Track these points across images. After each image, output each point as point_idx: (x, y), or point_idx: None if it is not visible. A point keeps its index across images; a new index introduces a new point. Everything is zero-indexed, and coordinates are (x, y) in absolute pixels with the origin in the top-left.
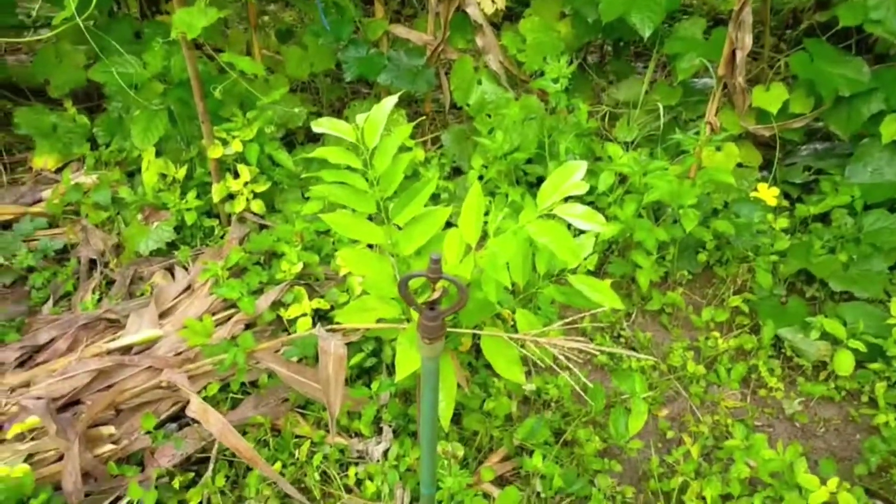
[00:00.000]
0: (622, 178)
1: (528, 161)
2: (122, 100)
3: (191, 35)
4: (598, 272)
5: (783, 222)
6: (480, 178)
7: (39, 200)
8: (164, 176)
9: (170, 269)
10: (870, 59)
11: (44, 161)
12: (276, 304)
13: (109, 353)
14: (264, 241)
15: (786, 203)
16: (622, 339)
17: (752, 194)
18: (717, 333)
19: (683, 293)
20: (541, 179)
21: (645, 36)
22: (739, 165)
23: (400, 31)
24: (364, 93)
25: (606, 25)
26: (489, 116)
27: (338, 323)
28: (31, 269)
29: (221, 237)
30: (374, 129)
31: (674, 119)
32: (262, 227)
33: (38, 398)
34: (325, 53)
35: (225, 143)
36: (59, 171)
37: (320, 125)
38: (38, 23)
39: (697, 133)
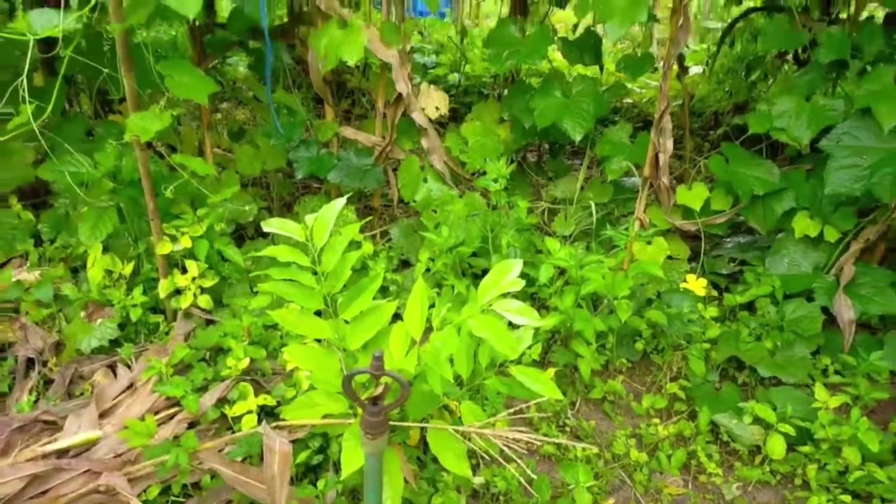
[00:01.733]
0: (561, 271)
1: (473, 254)
2: (69, 197)
3: (144, 139)
4: (542, 361)
5: (713, 311)
6: (427, 270)
7: None
8: (109, 272)
9: (112, 368)
10: (783, 160)
11: None
12: (222, 402)
13: (45, 456)
14: (210, 337)
15: (714, 293)
16: (567, 428)
17: (682, 285)
18: (657, 420)
19: (624, 381)
20: (485, 271)
21: (576, 140)
22: (669, 258)
23: (349, 132)
24: (314, 188)
25: (542, 130)
26: (435, 212)
27: (284, 419)
28: None
29: (166, 333)
30: (323, 229)
31: (607, 215)
32: (209, 322)
33: None
34: (276, 152)
35: (174, 239)
36: (1, 266)
37: (270, 225)
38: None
39: (628, 228)
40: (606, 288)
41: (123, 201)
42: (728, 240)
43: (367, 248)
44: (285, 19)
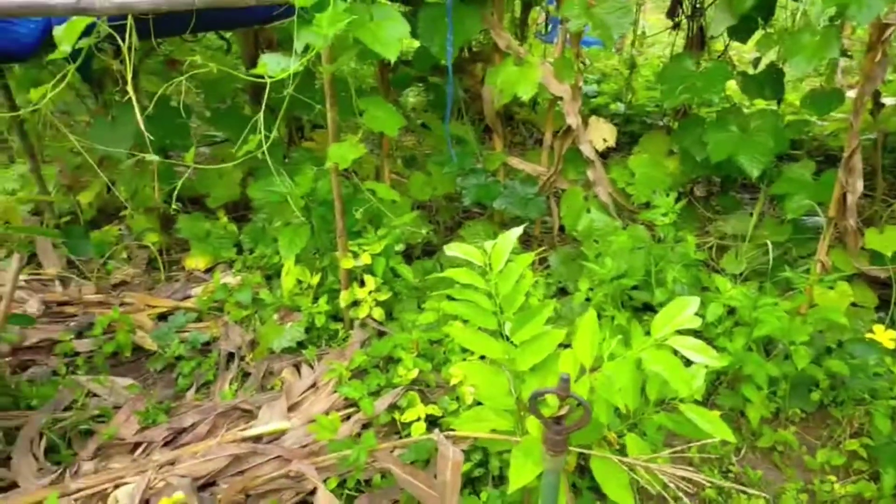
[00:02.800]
0: (730, 310)
1: (634, 287)
2: (267, 213)
3: (342, 166)
4: (706, 402)
5: None
6: (587, 299)
7: (189, 297)
8: (299, 281)
9: (297, 367)
10: None
11: (196, 262)
12: (392, 407)
13: (243, 440)
14: (384, 347)
15: None
16: (731, 475)
17: (868, 335)
18: (833, 477)
19: (796, 432)
20: (646, 305)
21: (753, 177)
22: (853, 305)
23: (515, 162)
24: (476, 213)
25: (714, 164)
26: (597, 242)
27: (451, 430)
28: (178, 358)
29: (344, 340)
30: (500, 256)
31: (783, 255)
32: (381, 333)
33: (183, 476)
34: (446, 179)
35: (356, 255)
36: (207, 271)
37: (452, 249)
38: (200, 143)
39: (808, 271)
40: (782, 332)
41: (315, 219)
42: None
43: (529, 276)
44: (459, 56)
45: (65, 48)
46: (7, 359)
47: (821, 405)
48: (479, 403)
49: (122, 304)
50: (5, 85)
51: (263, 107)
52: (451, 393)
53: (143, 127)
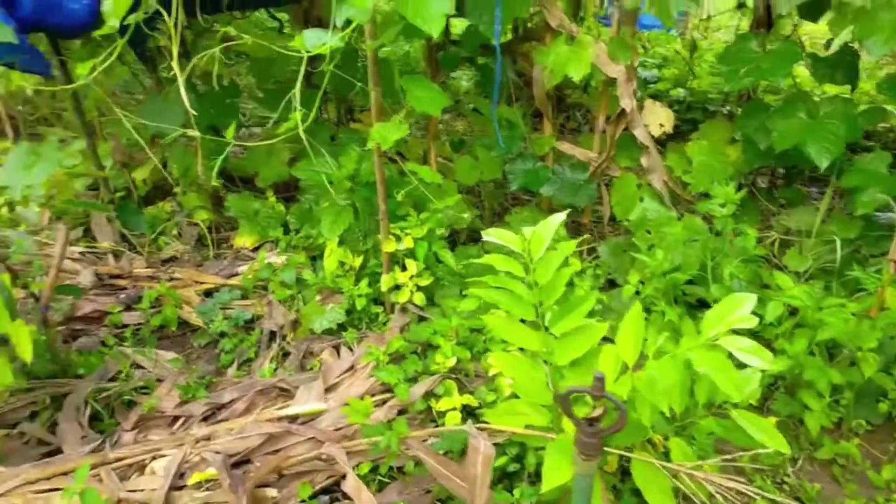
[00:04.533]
0: (792, 311)
1: (688, 282)
2: (313, 193)
3: (385, 146)
4: (761, 408)
5: None
6: (637, 293)
7: (236, 274)
8: (342, 263)
9: (336, 349)
10: None
11: (243, 241)
12: (428, 395)
13: (279, 419)
14: (423, 333)
15: None
16: (786, 486)
17: None
18: None
19: (860, 445)
20: (700, 301)
21: (822, 167)
22: None
23: (566, 147)
24: (524, 200)
25: (779, 153)
26: (649, 233)
27: (485, 422)
28: (222, 334)
29: (384, 324)
30: (540, 243)
31: (853, 253)
32: (421, 318)
33: (217, 452)
34: (493, 164)
35: (398, 238)
36: (254, 250)
37: (489, 234)
38: (249, 121)
39: (879, 271)
40: (848, 336)
41: (359, 201)
42: None
43: (575, 264)
44: (510, 36)
45: (113, 23)
46: (58, 328)
47: (888, 417)
48: (516, 396)
49: (170, 280)
50: (62, 61)
51: (299, 83)
52: (490, 383)
53: (188, 105)
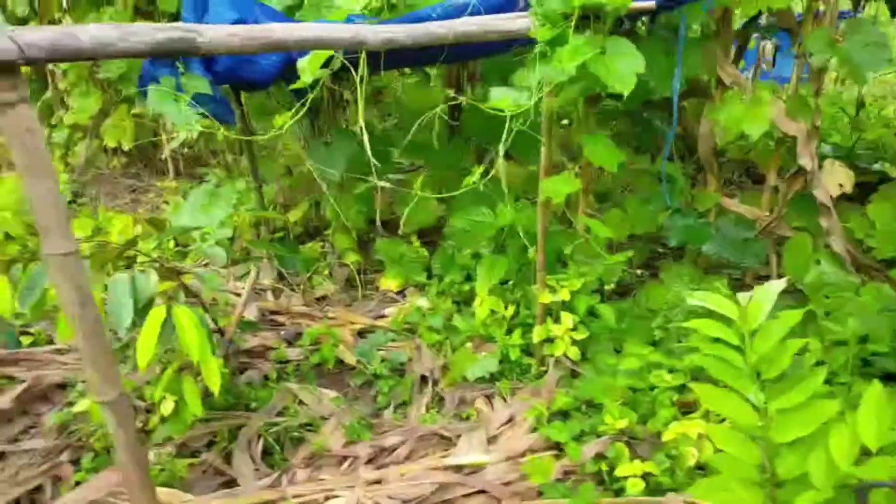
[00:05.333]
0: None
1: (874, 353)
2: (456, 240)
3: (556, 200)
4: None
5: None
6: (820, 363)
7: (383, 316)
8: (492, 312)
9: (488, 398)
10: None
11: (389, 283)
12: (598, 457)
13: (445, 468)
14: (589, 390)
15: None
16: None
17: None
18: None
19: None
20: (888, 374)
21: None
22: None
23: (730, 204)
24: (666, 254)
25: None
26: (827, 298)
27: (673, 491)
28: (377, 376)
29: (537, 377)
30: (759, 311)
31: None
32: (574, 373)
33: (390, 497)
34: (645, 218)
35: (553, 290)
36: (399, 292)
37: (695, 297)
38: (402, 167)
39: None
40: None
41: (511, 251)
42: None
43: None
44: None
45: (307, 78)
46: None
47: None
48: (701, 468)
49: (325, 318)
50: (242, 111)
51: (503, 143)
52: (661, 449)
53: (369, 152)
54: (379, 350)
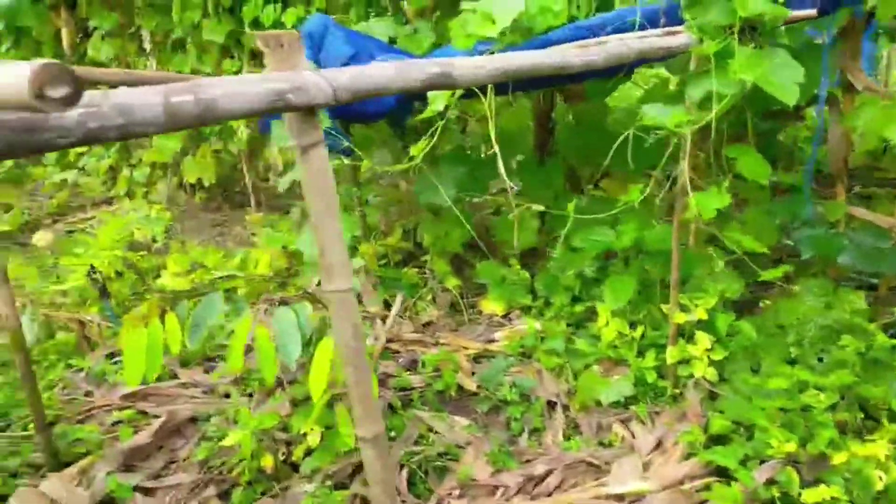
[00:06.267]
0: None
1: None
2: (559, 261)
3: (705, 217)
4: None
5: None
6: None
7: (493, 340)
8: (620, 334)
9: (623, 422)
10: None
11: (492, 306)
12: (769, 482)
13: (606, 497)
14: (739, 412)
15: None
16: None
17: None
18: None
19: None
20: None
21: None
22: None
23: (861, 213)
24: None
25: None
26: None
27: None
28: (504, 401)
29: (674, 399)
30: None
31: None
32: (713, 395)
33: None
34: (765, 230)
35: (686, 309)
36: (504, 316)
37: None
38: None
39: None
40: None
41: (636, 270)
42: None
43: (882, 340)
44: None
45: (437, 107)
46: None
47: None
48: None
49: (436, 344)
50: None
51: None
52: (831, 472)
53: (505, 177)
54: (506, 375)
